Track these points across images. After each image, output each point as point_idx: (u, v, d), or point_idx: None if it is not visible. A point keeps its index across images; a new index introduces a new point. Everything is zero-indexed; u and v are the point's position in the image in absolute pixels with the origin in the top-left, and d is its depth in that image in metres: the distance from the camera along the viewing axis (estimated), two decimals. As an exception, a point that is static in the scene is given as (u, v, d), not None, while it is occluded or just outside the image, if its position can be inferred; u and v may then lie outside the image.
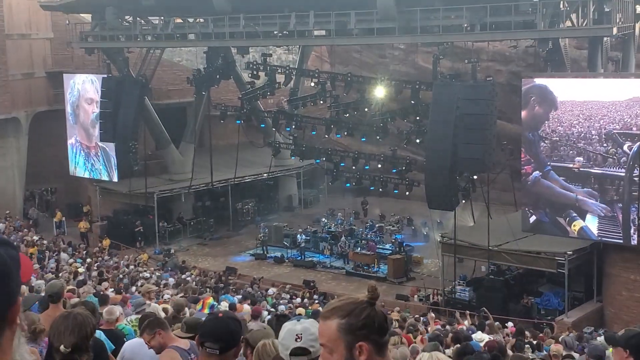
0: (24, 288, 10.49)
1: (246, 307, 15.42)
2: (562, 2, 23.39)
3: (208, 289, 22.49)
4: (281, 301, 21.96)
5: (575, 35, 26.42)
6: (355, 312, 2.38)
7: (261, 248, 32.46)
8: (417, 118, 29.83)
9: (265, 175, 37.87)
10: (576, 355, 13.33)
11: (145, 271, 26.05)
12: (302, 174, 39.17)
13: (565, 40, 25.07)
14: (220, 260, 31.93)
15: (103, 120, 34.23)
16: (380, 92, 31.13)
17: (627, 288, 22.93)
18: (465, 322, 18.89)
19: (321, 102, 34.28)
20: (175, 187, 35.56)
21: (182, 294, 17.65)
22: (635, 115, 21.77)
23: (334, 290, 26.73)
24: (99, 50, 35.24)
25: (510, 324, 19.45)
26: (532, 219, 24.00)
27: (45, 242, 29.63)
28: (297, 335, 3.06)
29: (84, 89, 35.76)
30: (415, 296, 26.42)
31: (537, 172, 23.60)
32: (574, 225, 22.97)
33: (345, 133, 33.25)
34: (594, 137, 22.53)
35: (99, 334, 6.12)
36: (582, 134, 22.74)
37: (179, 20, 33.18)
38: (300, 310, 18.15)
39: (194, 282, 24.42)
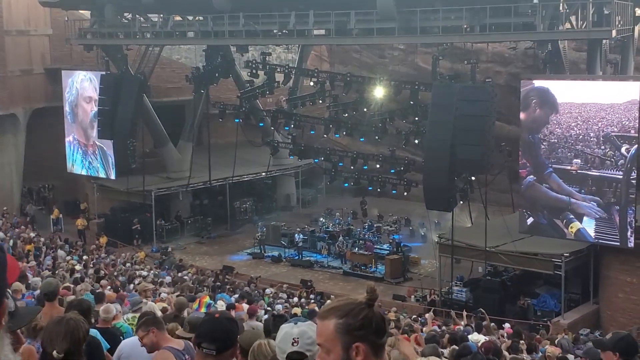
0: (20, 286, 10.46)
1: (245, 307, 15.37)
2: (561, 4, 23.39)
3: (205, 288, 22.44)
4: (278, 301, 21.94)
5: (574, 37, 26.42)
6: (353, 313, 2.38)
7: (259, 247, 32.43)
8: (416, 118, 29.90)
9: (263, 174, 37.84)
10: (571, 356, 13.32)
11: (142, 269, 26.00)
12: (301, 173, 39.18)
13: (565, 43, 25.06)
14: (218, 259, 31.89)
15: (101, 117, 34.12)
16: (379, 92, 31.15)
17: (624, 290, 22.96)
18: (462, 323, 18.88)
19: (320, 101, 34.33)
20: (173, 186, 35.57)
21: (178, 293, 17.61)
22: (634, 118, 21.76)
23: (331, 290, 26.75)
24: (97, 47, 35.08)
25: (507, 325, 19.46)
26: (529, 220, 24.01)
27: (42, 239, 29.51)
28: (293, 339, 3.02)
29: (82, 87, 35.63)
30: (412, 296, 26.44)
31: (532, 176, 23.61)
32: (571, 227, 22.99)
33: (344, 133, 33.26)
34: (592, 139, 22.55)
35: (95, 332, 6.10)
36: (580, 136, 22.75)
37: (178, 18, 33.11)
38: (296, 310, 18.13)
39: (191, 281, 24.37)
